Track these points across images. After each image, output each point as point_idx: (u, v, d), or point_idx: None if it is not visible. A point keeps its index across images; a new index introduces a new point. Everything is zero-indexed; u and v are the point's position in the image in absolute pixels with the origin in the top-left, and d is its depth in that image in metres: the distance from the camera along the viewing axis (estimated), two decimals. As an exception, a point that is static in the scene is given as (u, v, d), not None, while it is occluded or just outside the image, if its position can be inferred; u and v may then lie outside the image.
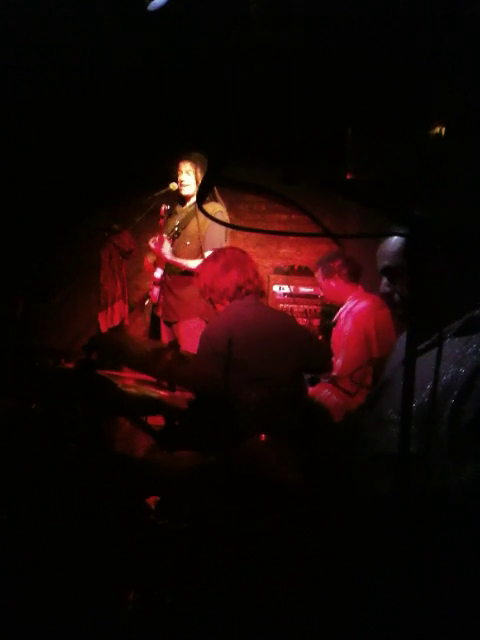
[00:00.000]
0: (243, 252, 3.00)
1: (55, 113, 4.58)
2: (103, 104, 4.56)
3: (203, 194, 1.81)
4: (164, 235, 4.17)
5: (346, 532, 1.65)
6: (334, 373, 3.44)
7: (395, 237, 1.65)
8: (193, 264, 3.94)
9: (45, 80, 4.17)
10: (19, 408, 2.33)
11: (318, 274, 3.74)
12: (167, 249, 4.10)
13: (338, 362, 3.48)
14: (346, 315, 3.59)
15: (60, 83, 4.20)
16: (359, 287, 3.70)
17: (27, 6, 3.70)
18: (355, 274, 3.68)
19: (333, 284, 3.67)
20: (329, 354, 3.18)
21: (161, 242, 4.09)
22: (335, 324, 3.72)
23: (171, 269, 4.19)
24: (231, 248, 3.38)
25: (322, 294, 3.85)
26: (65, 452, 2.13)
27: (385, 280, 1.73)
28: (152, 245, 4.15)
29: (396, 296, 1.70)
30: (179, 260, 4.08)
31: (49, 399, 2.36)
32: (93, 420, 2.27)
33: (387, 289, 1.72)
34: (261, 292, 2.94)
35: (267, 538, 1.76)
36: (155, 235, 4.20)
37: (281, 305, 4.94)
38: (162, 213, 4.23)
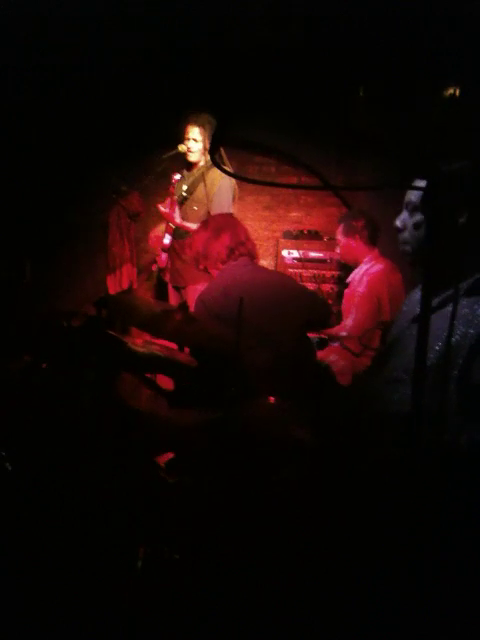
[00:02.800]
0: (232, 216, 3.05)
1: (61, 73, 4.53)
2: (109, 62, 4.48)
3: (213, 152, 1.79)
4: (175, 197, 4.15)
5: (354, 492, 1.66)
6: (343, 333, 3.47)
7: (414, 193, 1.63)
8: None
9: (50, 38, 4.11)
10: (30, 367, 2.33)
11: (339, 231, 3.75)
12: (176, 214, 4.09)
13: (348, 322, 3.51)
14: (361, 276, 3.61)
15: (65, 42, 4.13)
16: (376, 250, 3.72)
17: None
18: (374, 237, 3.70)
19: (353, 243, 3.69)
20: (329, 309, 3.20)
21: (173, 208, 4.08)
22: (348, 285, 3.73)
23: (179, 234, 4.18)
24: (220, 214, 3.46)
25: (338, 251, 3.84)
26: (75, 410, 2.14)
27: (405, 215, 1.71)
28: (163, 209, 4.13)
29: (408, 247, 1.69)
30: (188, 224, 4.07)
31: (59, 358, 2.34)
32: (102, 378, 2.26)
33: (405, 245, 1.71)
34: (254, 255, 2.94)
35: (275, 494, 1.77)
36: (165, 199, 4.19)
37: (290, 270, 4.88)
38: (174, 181, 4.19)
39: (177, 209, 4.10)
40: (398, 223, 1.72)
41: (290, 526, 1.70)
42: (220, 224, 2.91)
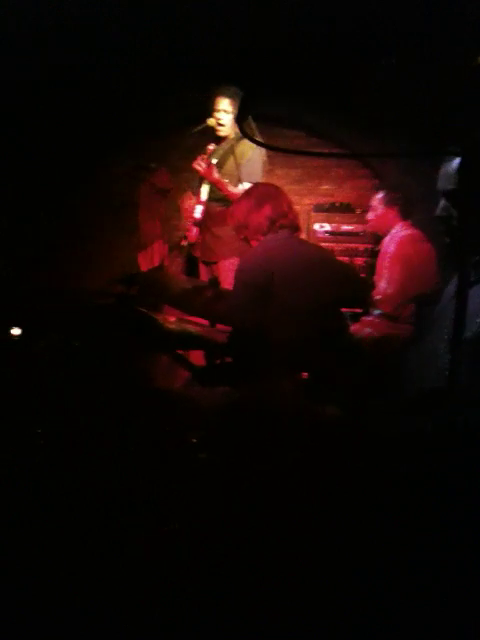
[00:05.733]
0: (276, 187, 2.95)
1: (86, 50, 4.49)
2: (133, 38, 4.40)
3: (242, 121, 1.75)
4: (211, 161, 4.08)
5: (374, 469, 1.67)
6: (378, 296, 3.46)
7: (458, 160, 1.58)
8: (236, 190, 3.88)
9: (71, 11, 4.07)
10: (61, 344, 2.34)
11: (378, 199, 3.71)
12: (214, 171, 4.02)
13: (382, 284, 3.50)
14: (390, 240, 3.62)
15: (88, 17, 4.09)
16: (408, 221, 3.70)
17: None
18: (409, 211, 3.69)
19: (390, 214, 3.67)
20: (368, 287, 3.17)
21: (212, 167, 4.00)
22: (379, 252, 3.72)
23: (212, 199, 4.09)
24: (264, 183, 3.35)
25: (370, 217, 3.81)
26: (106, 387, 2.15)
27: (443, 203, 1.67)
28: (199, 167, 4.03)
29: (454, 221, 1.64)
30: (225, 181, 3.99)
31: (90, 335, 2.33)
32: (134, 355, 2.26)
33: (444, 213, 1.66)
34: (296, 227, 2.88)
35: (294, 473, 1.76)
36: (200, 157, 4.08)
37: (322, 244, 4.81)
38: (208, 151, 4.11)
39: (215, 169, 4.02)
40: (440, 212, 1.69)
41: (306, 505, 1.70)
42: (263, 194, 2.85)
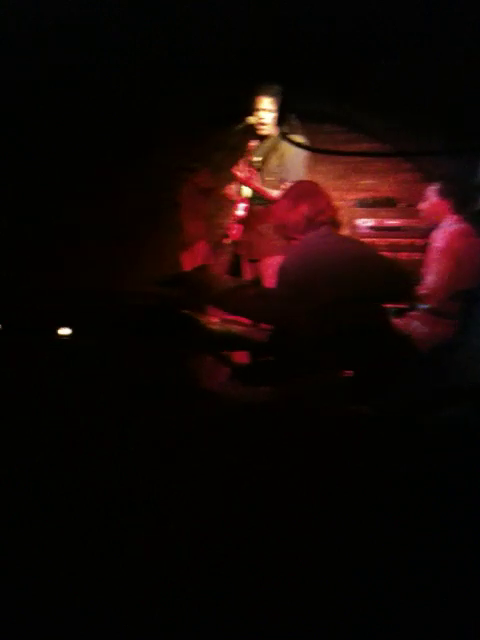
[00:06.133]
0: (314, 184, 2.98)
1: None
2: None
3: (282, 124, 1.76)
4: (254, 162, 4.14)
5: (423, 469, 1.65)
6: (424, 291, 3.43)
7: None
8: (277, 193, 3.83)
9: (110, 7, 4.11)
10: (102, 346, 2.36)
11: (434, 188, 3.67)
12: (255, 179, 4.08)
13: (428, 278, 3.47)
14: (439, 233, 3.58)
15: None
16: (459, 216, 3.64)
17: None
18: (462, 207, 3.64)
19: (445, 206, 3.62)
20: (411, 283, 3.13)
21: (251, 173, 4.06)
22: (427, 245, 3.69)
23: (255, 198, 4.14)
24: (302, 181, 3.35)
25: (422, 207, 3.77)
26: (148, 389, 2.17)
27: None
28: (240, 174, 4.11)
29: None
30: (265, 188, 4.05)
31: (133, 337, 2.36)
32: (177, 356, 2.29)
33: None
34: (336, 223, 2.89)
35: (340, 472, 1.75)
36: (241, 165, 4.15)
37: (365, 239, 4.76)
38: (250, 148, 4.17)
39: (256, 176, 4.08)
40: None
41: (347, 505, 1.69)
42: (299, 192, 2.87)
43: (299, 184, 3.05)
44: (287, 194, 2.91)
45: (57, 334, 3.19)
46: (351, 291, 2.63)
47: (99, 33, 4.07)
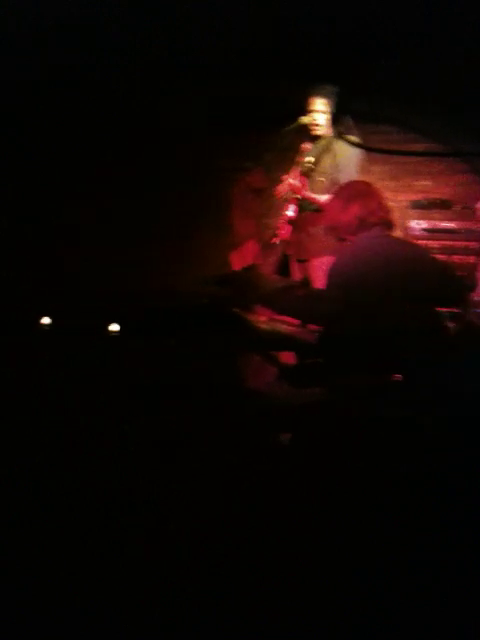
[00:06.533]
0: (367, 184, 2.95)
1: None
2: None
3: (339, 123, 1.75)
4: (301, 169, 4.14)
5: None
6: (478, 297, 3.29)
7: None
8: (326, 199, 3.81)
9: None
10: (154, 343, 2.39)
11: None
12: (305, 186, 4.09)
13: None
14: None
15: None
16: None
17: None
18: None
19: None
20: (464, 286, 3.06)
21: (303, 180, 4.08)
22: None
23: (304, 206, 4.15)
24: (354, 182, 3.33)
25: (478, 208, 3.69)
26: (201, 387, 2.23)
27: None
28: (292, 182, 4.12)
29: None
30: (314, 196, 4.05)
31: (185, 335, 2.43)
32: (227, 355, 2.35)
33: None
34: (389, 224, 2.85)
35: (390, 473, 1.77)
36: (291, 172, 4.17)
37: (419, 241, 4.64)
38: (304, 150, 4.18)
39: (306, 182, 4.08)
40: None
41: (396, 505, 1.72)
42: (351, 193, 2.85)
43: (352, 184, 3.04)
44: (339, 194, 2.89)
45: (107, 331, 3.27)
46: (403, 294, 2.60)
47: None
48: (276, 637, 1.52)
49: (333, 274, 2.71)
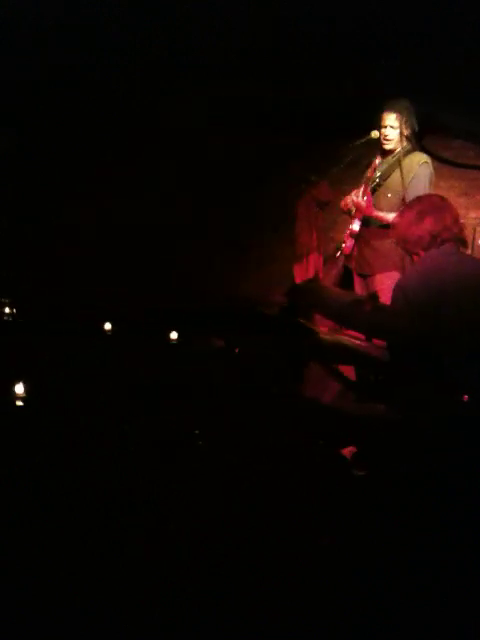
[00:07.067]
0: (442, 198, 2.85)
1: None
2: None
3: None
4: (369, 186, 4.09)
5: None
6: None
7: None
8: (393, 217, 3.69)
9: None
10: (224, 349, 2.56)
11: None
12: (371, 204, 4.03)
13: None
14: None
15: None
16: None
17: None
18: None
19: None
20: None
21: (369, 198, 4.02)
22: None
23: (369, 221, 4.09)
24: (428, 195, 3.22)
25: None
26: (264, 394, 2.28)
27: None
28: (357, 199, 4.07)
29: None
30: (381, 214, 3.98)
31: (252, 343, 2.52)
32: (291, 365, 2.38)
33: None
34: (462, 241, 2.75)
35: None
36: (359, 188, 4.12)
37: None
38: (374, 166, 4.13)
39: (372, 199, 4.03)
40: None
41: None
42: (425, 207, 2.73)
43: (426, 197, 2.94)
44: (412, 207, 2.78)
45: (169, 337, 3.39)
46: (475, 314, 2.50)
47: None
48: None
49: (402, 289, 2.62)
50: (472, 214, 5.12)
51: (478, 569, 1.50)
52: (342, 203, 4.25)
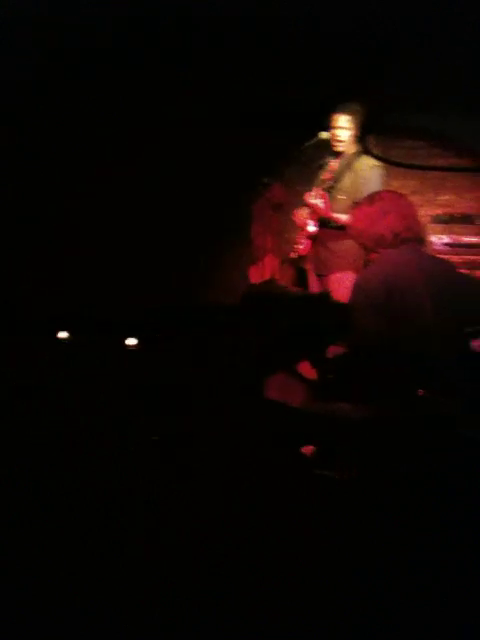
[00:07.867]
0: (402, 195, 2.81)
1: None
2: (253, 52, 4.42)
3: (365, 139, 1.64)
4: (322, 191, 4.12)
5: None
6: None
7: None
8: (347, 218, 3.79)
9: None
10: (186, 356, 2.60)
11: None
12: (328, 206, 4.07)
13: None
14: None
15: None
16: None
17: None
18: None
19: None
20: None
21: (326, 200, 4.05)
22: None
23: (325, 222, 4.13)
24: (388, 191, 3.17)
25: None
26: (222, 400, 2.27)
27: None
28: (313, 202, 4.09)
29: None
30: (337, 215, 4.01)
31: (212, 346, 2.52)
32: (251, 369, 2.37)
33: None
34: (421, 240, 2.72)
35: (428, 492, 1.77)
36: (313, 190, 4.15)
37: (440, 256, 4.63)
38: (331, 168, 4.14)
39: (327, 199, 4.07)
40: None
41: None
42: (387, 203, 2.68)
43: (386, 193, 2.88)
44: (372, 203, 2.71)
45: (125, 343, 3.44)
46: (432, 311, 2.50)
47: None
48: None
49: (361, 288, 2.61)
50: (424, 211, 5.02)
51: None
52: (296, 219, 4.28)
